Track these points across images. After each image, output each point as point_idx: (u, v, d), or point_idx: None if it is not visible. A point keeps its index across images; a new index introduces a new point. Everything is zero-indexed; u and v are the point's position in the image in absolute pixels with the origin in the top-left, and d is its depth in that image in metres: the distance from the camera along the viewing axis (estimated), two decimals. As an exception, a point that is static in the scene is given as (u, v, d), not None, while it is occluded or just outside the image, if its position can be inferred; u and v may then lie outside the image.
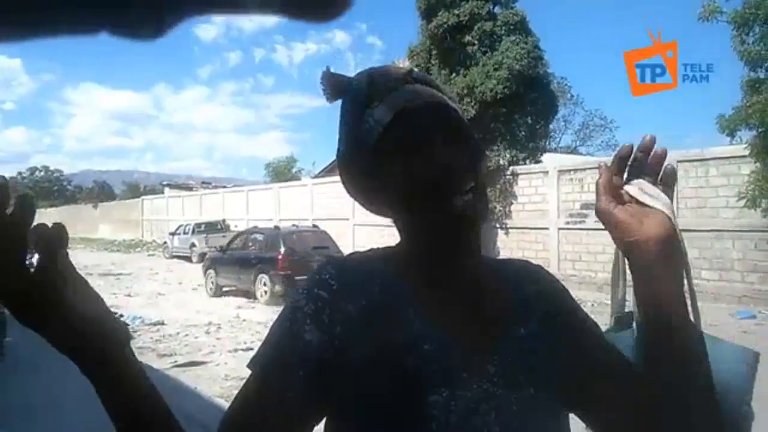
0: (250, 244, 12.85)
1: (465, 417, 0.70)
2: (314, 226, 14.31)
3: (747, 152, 10.05)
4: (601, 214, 0.77)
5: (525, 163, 15.05)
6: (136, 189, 60.08)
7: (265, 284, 11.64)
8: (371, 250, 0.83)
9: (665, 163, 0.78)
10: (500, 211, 14.39)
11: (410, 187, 0.74)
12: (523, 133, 15.30)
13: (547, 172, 14.02)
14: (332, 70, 0.83)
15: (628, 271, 0.80)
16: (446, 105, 0.77)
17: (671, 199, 0.78)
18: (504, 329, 0.77)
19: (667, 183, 0.78)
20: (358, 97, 0.78)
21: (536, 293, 0.82)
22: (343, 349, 0.70)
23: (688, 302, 0.76)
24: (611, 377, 0.77)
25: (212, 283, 12.97)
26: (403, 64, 0.80)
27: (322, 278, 0.75)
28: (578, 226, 13.07)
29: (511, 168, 14.61)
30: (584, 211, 12.94)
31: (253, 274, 11.89)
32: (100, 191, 64.60)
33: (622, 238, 0.75)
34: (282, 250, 11.57)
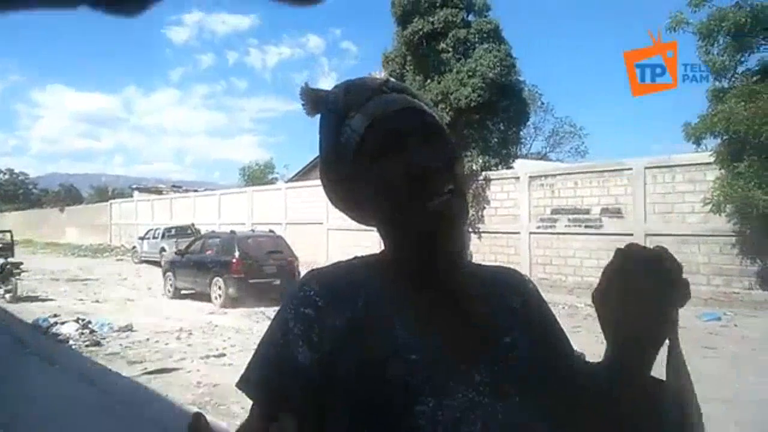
0: (207, 248, 13.00)
1: (452, 427, 0.70)
2: (270, 231, 14.50)
3: (712, 159, 10.34)
4: (599, 302, 0.74)
5: (497, 169, 15.22)
6: (104, 193, 58.86)
7: (219, 287, 11.76)
8: (355, 258, 0.83)
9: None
10: (473, 215, 14.51)
11: (388, 191, 0.74)
12: (495, 139, 15.48)
13: (518, 178, 14.19)
14: (308, 82, 0.85)
15: None
16: (421, 110, 0.78)
17: (677, 320, 0.72)
18: (490, 338, 0.77)
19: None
20: (336, 109, 0.79)
21: (522, 303, 0.83)
22: (332, 364, 0.71)
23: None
24: (575, 391, 0.76)
25: (171, 285, 13.18)
26: (380, 74, 0.80)
27: (306, 295, 0.75)
28: (549, 230, 13.25)
29: (483, 173, 14.76)
30: (554, 216, 13.14)
31: (209, 278, 12.04)
32: (67, 195, 63.11)
33: (613, 328, 0.73)
34: (237, 254, 11.76)
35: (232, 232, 13.21)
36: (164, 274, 13.66)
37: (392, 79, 0.84)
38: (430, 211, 0.72)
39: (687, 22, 10.30)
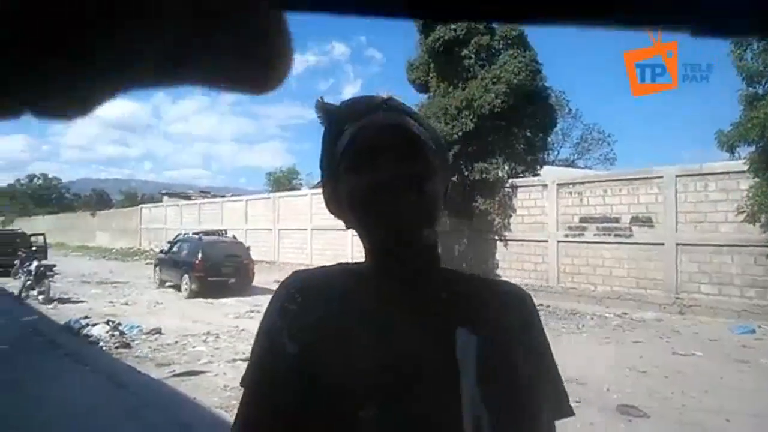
0: (182, 249, 15.35)
1: (407, 428, 0.72)
2: (233, 237, 16.97)
3: (746, 167, 10.08)
4: None
5: (524, 176, 15.08)
6: (133, 197, 59.94)
7: (186, 282, 14.23)
8: (338, 264, 0.90)
9: None
10: (499, 223, 14.40)
11: (353, 203, 0.79)
12: (521, 146, 15.34)
13: (545, 185, 14.04)
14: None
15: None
16: (404, 127, 0.81)
17: None
18: (447, 352, 0.76)
19: None
20: (336, 123, 0.85)
21: (513, 318, 0.83)
22: (311, 357, 0.76)
23: None
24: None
25: (157, 277, 16.17)
26: (387, 94, 0.83)
27: (288, 292, 0.84)
28: (577, 239, 13.07)
29: (509, 181, 14.64)
30: (583, 225, 12.95)
31: (180, 273, 14.62)
32: (98, 199, 64.44)
33: None
34: (199, 256, 14.05)
35: (199, 237, 15.50)
36: (154, 268, 16.69)
37: (395, 98, 0.87)
38: (384, 225, 0.77)
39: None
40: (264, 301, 1.22)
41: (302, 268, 0.91)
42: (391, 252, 0.79)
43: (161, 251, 16.82)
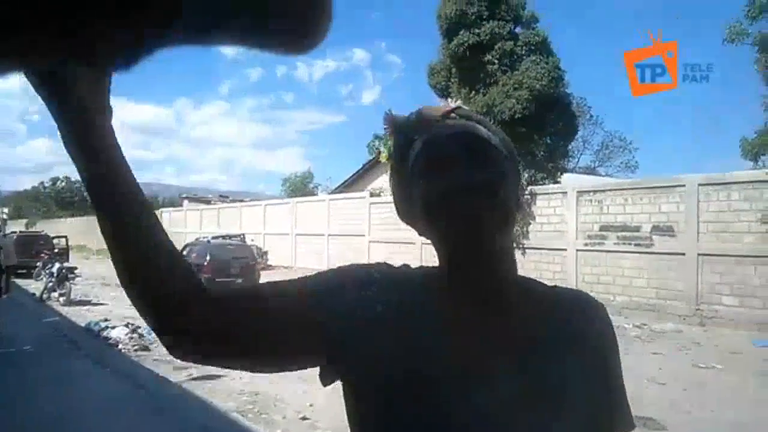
0: (192, 252, 16.15)
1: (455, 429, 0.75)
2: (242, 240, 18.07)
3: (770, 176, 9.92)
4: None
5: (544, 183, 14.98)
6: (155, 201, 60.69)
7: None
8: (420, 267, 0.91)
9: None
10: (518, 231, 14.30)
11: (428, 209, 0.80)
12: (542, 153, 15.25)
13: (565, 193, 13.92)
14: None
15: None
16: (472, 133, 0.83)
17: None
18: (526, 354, 0.80)
19: None
20: (406, 132, 0.87)
21: (584, 329, 0.84)
22: (366, 328, 0.79)
23: None
24: None
25: None
26: (455, 103, 0.86)
27: (375, 268, 0.87)
28: (597, 248, 12.93)
29: (529, 188, 14.55)
30: (603, 233, 12.81)
31: None
32: (121, 203, 65.21)
33: None
34: (208, 258, 15.01)
35: (209, 241, 16.82)
36: None
37: (464, 107, 0.90)
38: (455, 229, 0.78)
39: (746, 33, 9.97)
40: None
41: None
42: (468, 257, 0.80)
43: None
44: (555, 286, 0.92)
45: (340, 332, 0.79)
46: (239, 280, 14.77)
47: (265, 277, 15.16)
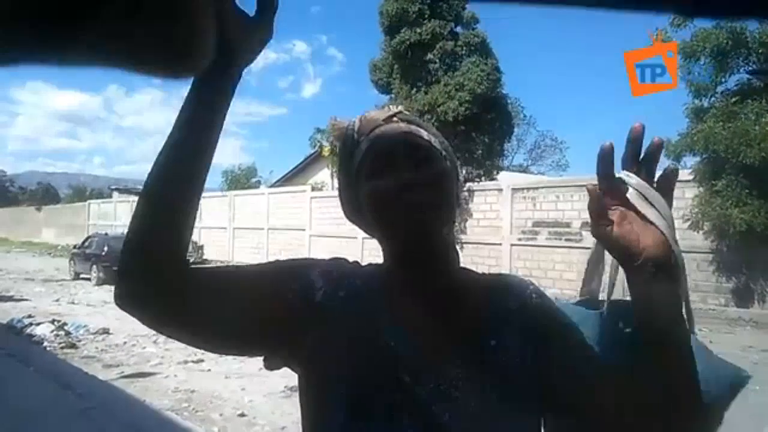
0: (92, 244, 17.46)
1: (418, 412, 0.77)
2: None
3: (691, 177, 10.51)
4: (598, 238, 0.79)
5: (480, 181, 15.31)
6: (82, 192, 57.97)
7: (95, 272, 16.25)
8: (369, 264, 0.95)
9: (661, 158, 0.77)
10: (456, 226, 14.54)
11: (375, 206, 0.84)
12: (480, 151, 15.57)
13: (501, 190, 14.30)
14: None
15: (606, 264, 0.84)
16: (414, 133, 0.87)
17: (671, 203, 0.74)
18: (473, 337, 0.83)
19: (668, 185, 0.76)
20: (351, 135, 0.90)
21: (519, 306, 0.87)
22: (329, 311, 0.83)
23: (684, 311, 0.78)
24: (593, 392, 0.78)
25: (72, 270, 17.98)
26: (397, 107, 0.88)
27: (340, 260, 0.93)
28: (530, 242, 13.37)
29: (467, 185, 14.84)
30: (536, 229, 13.24)
31: (90, 265, 16.73)
32: (45, 194, 62.07)
33: (621, 258, 0.77)
34: (105, 249, 15.97)
35: (106, 234, 18.30)
36: (69, 261, 18.49)
37: (405, 111, 0.93)
38: (404, 223, 0.81)
39: (671, 41, 10.50)
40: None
41: None
42: (417, 251, 0.84)
43: (74, 247, 18.94)
44: (486, 273, 0.97)
45: (304, 316, 0.82)
46: None
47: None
